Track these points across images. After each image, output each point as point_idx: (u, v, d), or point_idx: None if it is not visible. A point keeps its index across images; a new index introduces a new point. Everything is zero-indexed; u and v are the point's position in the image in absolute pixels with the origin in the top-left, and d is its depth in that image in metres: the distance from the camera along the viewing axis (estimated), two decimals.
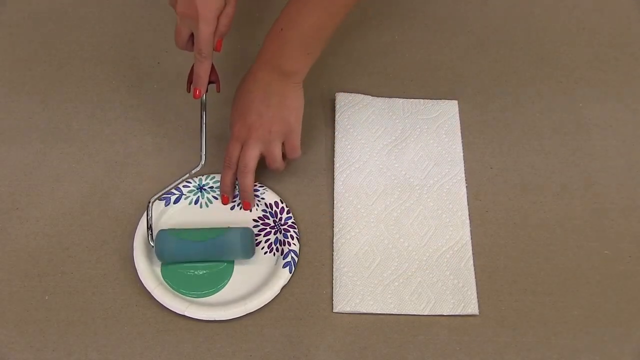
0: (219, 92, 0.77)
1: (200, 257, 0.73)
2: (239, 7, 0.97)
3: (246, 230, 0.73)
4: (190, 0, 0.68)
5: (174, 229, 0.74)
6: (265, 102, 0.73)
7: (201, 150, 0.76)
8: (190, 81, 0.77)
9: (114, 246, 0.75)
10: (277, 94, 0.73)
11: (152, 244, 0.73)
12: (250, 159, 0.74)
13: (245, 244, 0.72)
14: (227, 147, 0.76)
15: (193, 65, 0.74)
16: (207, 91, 0.75)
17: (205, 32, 0.69)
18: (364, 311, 0.71)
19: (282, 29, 0.72)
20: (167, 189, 0.76)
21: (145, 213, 0.75)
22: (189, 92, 0.77)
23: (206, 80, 0.74)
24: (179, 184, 0.77)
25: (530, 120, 0.86)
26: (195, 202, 0.78)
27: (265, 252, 0.75)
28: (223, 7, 0.70)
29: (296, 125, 0.75)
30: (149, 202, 0.75)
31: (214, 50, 0.72)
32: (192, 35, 0.73)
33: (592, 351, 0.69)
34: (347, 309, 0.71)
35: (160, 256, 0.72)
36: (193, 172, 0.76)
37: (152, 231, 0.74)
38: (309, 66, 0.73)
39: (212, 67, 0.74)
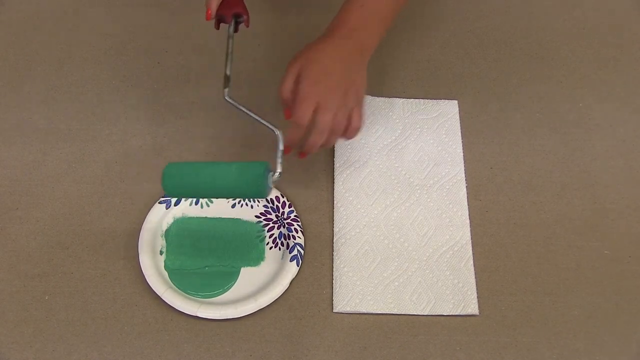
0: (248, 27, 0.78)
1: (207, 190, 0.67)
2: None
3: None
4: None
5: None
6: (343, 72, 0.75)
7: (225, 86, 0.72)
8: (218, 15, 0.75)
9: (114, 246, 0.75)
10: (353, 66, 0.76)
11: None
12: (326, 122, 0.74)
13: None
14: (299, 107, 0.73)
15: None
16: (234, 23, 0.75)
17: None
18: (364, 311, 0.71)
19: (362, 5, 0.75)
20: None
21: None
22: (218, 28, 0.78)
23: (215, 2, 0.73)
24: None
25: (530, 120, 0.86)
26: (196, 203, 0.78)
27: (271, 248, 0.75)
28: None
29: (363, 96, 0.77)
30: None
31: None
32: None
33: (592, 351, 0.69)
34: (347, 309, 0.71)
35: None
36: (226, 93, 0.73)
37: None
38: (379, 43, 0.77)
39: (241, 1, 0.75)
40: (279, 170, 0.69)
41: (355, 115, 0.75)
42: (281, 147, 0.71)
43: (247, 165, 0.67)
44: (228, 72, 0.73)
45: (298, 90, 0.73)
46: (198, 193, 0.70)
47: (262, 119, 0.72)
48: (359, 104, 0.76)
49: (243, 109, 0.71)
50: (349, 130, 0.75)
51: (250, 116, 0.71)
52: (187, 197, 0.75)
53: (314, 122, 0.73)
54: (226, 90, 0.72)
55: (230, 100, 0.72)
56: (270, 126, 0.71)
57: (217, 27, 0.77)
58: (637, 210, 0.79)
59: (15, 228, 0.76)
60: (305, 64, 0.75)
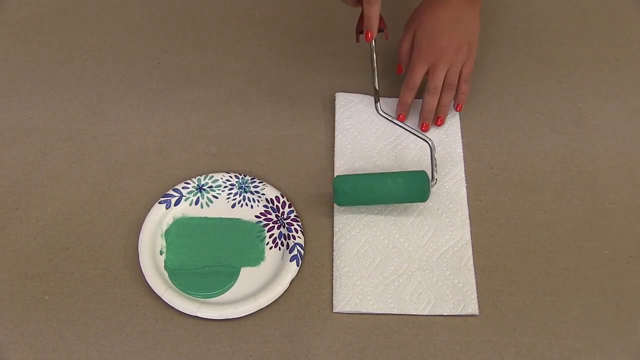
0: (387, 39, 0.82)
1: (381, 194, 0.74)
2: (237, 8, 0.98)
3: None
4: None
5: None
6: (455, 27, 0.80)
7: (376, 100, 0.77)
8: (359, 30, 0.80)
9: (114, 246, 0.75)
10: (464, 20, 0.80)
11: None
12: (440, 80, 0.81)
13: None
14: (413, 68, 0.81)
15: (361, 14, 0.79)
16: (376, 37, 0.77)
17: None
18: (364, 311, 0.71)
19: None
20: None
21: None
22: (358, 41, 0.82)
23: (377, 23, 0.75)
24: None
25: (530, 120, 0.86)
26: (196, 203, 0.78)
27: (271, 248, 0.75)
28: None
29: (475, 49, 0.83)
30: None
31: None
32: None
33: (592, 351, 0.69)
34: (347, 309, 0.71)
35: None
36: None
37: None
38: None
39: (380, 16, 0.76)
40: (436, 177, 0.76)
41: (466, 69, 0.81)
42: (435, 155, 0.77)
43: (411, 176, 0.74)
44: (377, 87, 0.78)
45: (412, 54, 0.81)
46: (368, 204, 0.76)
47: (414, 130, 0.77)
48: (471, 57, 0.82)
49: (396, 121, 0.76)
50: (460, 88, 0.82)
51: (403, 128, 0.77)
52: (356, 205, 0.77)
53: (426, 84, 0.81)
54: (378, 104, 0.77)
55: (383, 114, 0.77)
56: (423, 136, 0.77)
57: (358, 39, 0.81)
58: (637, 210, 0.79)
59: (15, 228, 0.76)
60: (418, 26, 0.81)
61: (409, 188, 0.74)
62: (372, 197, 0.74)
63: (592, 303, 0.72)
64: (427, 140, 0.77)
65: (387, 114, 0.75)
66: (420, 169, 0.78)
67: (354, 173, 0.79)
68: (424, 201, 0.75)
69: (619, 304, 0.72)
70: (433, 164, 0.76)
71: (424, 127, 0.83)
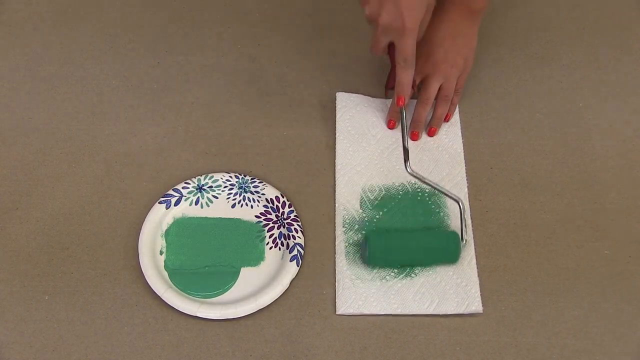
0: (414, 90, 0.80)
1: (409, 257, 0.73)
2: (238, 7, 0.98)
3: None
4: (397, 12, 0.69)
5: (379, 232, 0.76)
6: (453, 40, 0.80)
7: (405, 159, 0.75)
8: (389, 86, 0.81)
9: (114, 246, 0.75)
10: (462, 35, 0.80)
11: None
12: (434, 92, 0.81)
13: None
14: (405, 77, 0.77)
15: (391, 73, 0.79)
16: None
17: (411, 43, 0.71)
18: (368, 312, 0.71)
19: None
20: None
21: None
22: (387, 96, 0.84)
23: (410, 89, 0.76)
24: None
25: (530, 120, 0.86)
26: (196, 203, 0.78)
27: (271, 247, 0.75)
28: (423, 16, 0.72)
29: (471, 63, 0.83)
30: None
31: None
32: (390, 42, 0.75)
33: (592, 351, 0.69)
34: (351, 311, 0.71)
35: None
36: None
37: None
38: (490, 2, 0.80)
39: None
40: (465, 238, 0.75)
41: (460, 81, 0.82)
42: (466, 216, 0.76)
43: (443, 238, 0.74)
44: (407, 146, 0.76)
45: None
46: (397, 265, 0.74)
47: (445, 190, 0.75)
48: (466, 71, 0.83)
49: (427, 180, 0.75)
50: (452, 102, 0.83)
51: (435, 187, 0.75)
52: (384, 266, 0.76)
53: (419, 95, 0.81)
54: (408, 162, 0.75)
55: (413, 173, 0.75)
56: (453, 196, 0.75)
57: (387, 95, 0.85)
58: (637, 210, 0.79)
59: (15, 228, 0.76)
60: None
61: (442, 252, 0.73)
62: (403, 259, 0.73)
63: (592, 303, 0.72)
64: (458, 200, 0.75)
65: (417, 174, 0.75)
66: (450, 229, 0.76)
67: (382, 230, 0.76)
68: (454, 262, 0.74)
69: (619, 304, 0.72)
70: (463, 225, 0.75)
71: (413, 136, 0.83)
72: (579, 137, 0.85)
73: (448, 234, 0.74)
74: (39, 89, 0.88)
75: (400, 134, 0.83)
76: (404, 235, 0.75)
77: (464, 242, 0.75)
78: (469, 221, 0.77)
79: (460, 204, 0.74)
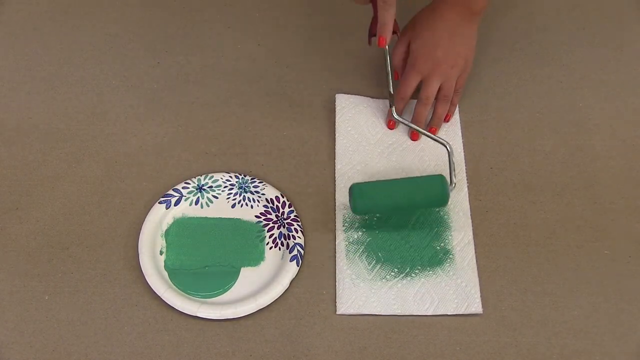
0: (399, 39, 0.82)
1: (398, 200, 0.72)
2: (238, 7, 0.98)
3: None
4: None
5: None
6: (451, 40, 0.80)
7: (390, 99, 0.76)
8: (372, 33, 0.79)
9: (114, 246, 0.75)
10: (462, 34, 0.80)
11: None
12: (433, 92, 0.81)
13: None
14: (405, 78, 0.80)
15: (374, 17, 0.78)
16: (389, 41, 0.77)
17: None
18: (368, 313, 0.71)
19: None
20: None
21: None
22: (370, 44, 0.81)
23: (391, 28, 0.75)
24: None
25: (530, 120, 0.86)
26: (196, 203, 0.78)
27: (271, 247, 0.75)
28: None
29: (471, 63, 0.83)
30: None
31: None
32: None
33: (592, 351, 0.69)
34: (351, 311, 0.71)
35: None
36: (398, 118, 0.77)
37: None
38: (489, 3, 0.80)
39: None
40: (455, 181, 0.75)
41: (460, 82, 0.82)
42: (454, 160, 0.76)
43: (429, 181, 0.73)
44: (392, 91, 0.77)
45: (407, 64, 0.81)
46: (386, 212, 0.75)
47: (431, 134, 0.76)
48: (465, 71, 0.82)
49: (412, 125, 0.76)
50: (452, 102, 0.82)
51: (419, 132, 0.76)
52: (373, 214, 0.77)
53: (419, 94, 0.81)
54: (393, 108, 0.77)
55: (398, 117, 0.76)
56: (441, 140, 0.76)
57: (370, 42, 0.81)
58: (637, 210, 0.79)
59: (15, 228, 0.76)
60: (413, 37, 0.81)
61: (428, 194, 0.72)
62: (390, 203, 0.72)
63: (592, 303, 0.72)
64: (445, 144, 0.76)
65: (402, 118, 0.75)
66: (437, 173, 0.76)
67: (366, 181, 0.76)
68: (444, 206, 0.74)
69: (619, 304, 0.72)
70: (451, 168, 0.75)
71: (413, 136, 0.83)
72: (579, 137, 0.85)
73: (434, 176, 0.73)
74: (39, 89, 0.88)
75: (399, 134, 0.83)
76: (390, 181, 0.75)
77: (453, 185, 0.74)
78: (461, 166, 0.78)
79: (447, 147, 0.75)
